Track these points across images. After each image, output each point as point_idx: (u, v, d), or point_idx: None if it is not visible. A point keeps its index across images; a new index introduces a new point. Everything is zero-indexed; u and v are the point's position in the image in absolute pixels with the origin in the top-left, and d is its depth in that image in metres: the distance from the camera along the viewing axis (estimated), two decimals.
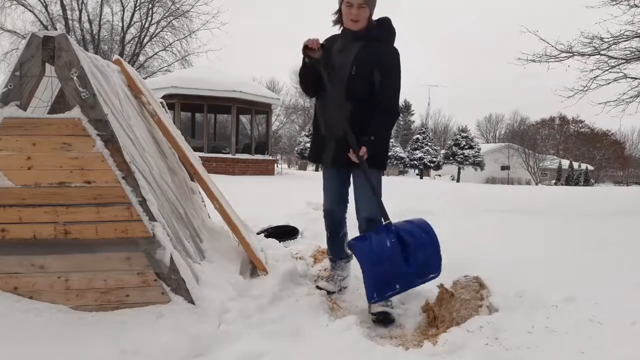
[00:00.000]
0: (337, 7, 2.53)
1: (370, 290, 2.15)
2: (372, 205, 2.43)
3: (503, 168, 41.19)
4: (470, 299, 2.24)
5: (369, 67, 2.44)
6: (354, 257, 2.83)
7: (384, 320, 2.33)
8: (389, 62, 2.48)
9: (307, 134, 32.07)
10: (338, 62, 2.49)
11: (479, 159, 35.96)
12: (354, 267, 2.87)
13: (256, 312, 2.16)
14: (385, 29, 2.53)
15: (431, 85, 57.96)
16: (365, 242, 2.24)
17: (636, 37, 7.20)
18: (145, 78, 12.38)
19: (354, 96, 2.45)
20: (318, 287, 2.66)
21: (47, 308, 1.86)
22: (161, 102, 3.10)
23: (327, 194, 2.73)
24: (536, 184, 36.19)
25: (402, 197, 6.50)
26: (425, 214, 5.22)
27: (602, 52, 7.47)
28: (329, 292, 2.64)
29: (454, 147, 36.40)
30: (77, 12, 20.77)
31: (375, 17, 2.52)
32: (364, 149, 2.36)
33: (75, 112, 1.86)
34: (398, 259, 2.15)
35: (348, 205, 2.75)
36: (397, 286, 2.16)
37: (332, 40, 2.60)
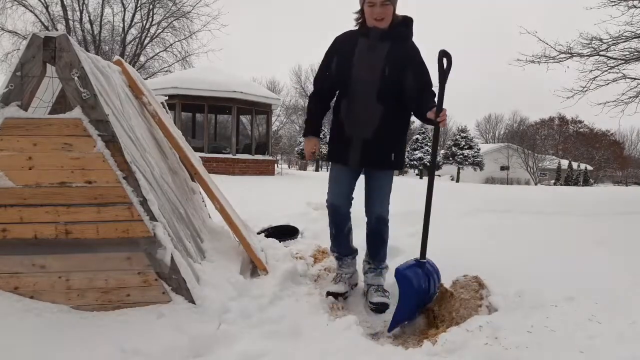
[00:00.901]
0: (358, 7, 2.48)
1: (399, 319, 2.27)
2: (385, 204, 2.59)
3: (502, 168, 41.20)
4: (469, 298, 2.25)
5: (401, 67, 2.43)
6: (358, 253, 2.80)
7: (383, 310, 2.45)
8: (417, 58, 2.50)
9: None
10: (366, 63, 2.43)
11: (478, 159, 35.96)
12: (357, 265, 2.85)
13: (256, 312, 2.17)
14: (411, 28, 2.52)
15: None
16: (412, 276, 2.32)
17: (635, 37, 7.20)
18: (146, 78, 12.37)
19: (386, 97, 2.44)
20: (329, 293, 2.55)
21: (48, 308, 1.87)
22: (162, 103, 3.11)
23: (334, 190, 2.67)
24: (535, 184, 36.21)
25: (403, 197, 6.50)
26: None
27: (601, 52, 7.47)
28: (341, 295, 2.55)
29: (453, 148, 36.39)
30: (78, 13, 20.75)
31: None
32: (443, 112, 2.31)
33: (76, 113, 1.87)
34: (423, 293, 2.34)
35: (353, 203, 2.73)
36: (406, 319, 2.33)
37: (348, 37, 2.52)
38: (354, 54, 2.45)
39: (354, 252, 2.79)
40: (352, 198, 2.69)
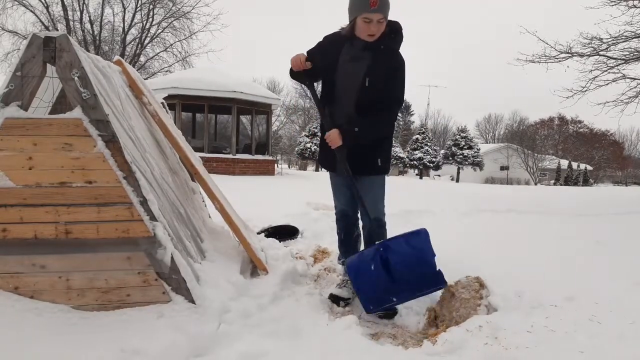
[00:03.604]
0: (348, 20, 2.40)
1: (364, 303, 2.35)
2: (379, 206, 2.57)
3: (502, 168, 41.19)
4: (469, 298, 2.25)
5: (382, 78, 2.39)
6: None
7: (390, 315, 2.40)
8: (396, 72, 2.43)
9: (307, 134, 32.05)
10: (348, 71, 2.43)
11: (478, 159, 35.95)
12: None
13: (256, 312, 2.17)
14: (399, 38, 2.44)
15: (431, 86, 58.06)
16: (353, 261, 2.41)
17: (635, 37, 7.21)
18: (146, 79, 12.35)
19: (365, 107, 2.42)
20: (332, 296, 2.54)
21: (48, 307, 1.86)
22: (162, 103, 3.11)
23: (339, 197, 2.71)
24: (535, 184, 36.21)
25: (404, 197, 6.51)
26: (426, 213, 5.23)
27: (601, 52, 7.48)
28: (343, 300, 2.53)
29: (453, 148, 36.39)
30: (79, 13, 20.75)
31: None
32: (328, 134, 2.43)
33: (77, 113, 1.87)
34: (382, 276, 2.31)
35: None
36: (394, 299, 2.33)
37: (336, 40, 2.48)
38: (338, 61, 2.44)
39: None
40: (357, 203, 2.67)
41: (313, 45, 2.61)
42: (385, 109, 2.44)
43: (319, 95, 2.61)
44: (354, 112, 2.44)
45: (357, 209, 2.71)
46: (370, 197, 2.57)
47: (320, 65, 2.53)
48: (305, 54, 2.57)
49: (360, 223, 2.74)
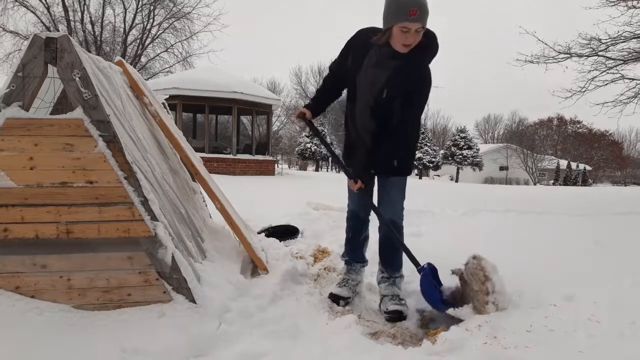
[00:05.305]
0: (383, 27, 2.24)
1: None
2: (395, 208, 2.52)
3: (501, 168, 41.23)
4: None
5: (400, 93, 2.30)
6: (368, 264, 2.78)
7: (398, 318, 2.36)
8: (417, 88, 2.32)
9: (307, 134, 32.06)
10: (369, 78, 2.34)
11: (477, 159, 35.99)
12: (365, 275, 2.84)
13: (257, 312, 2.17)
14: (431, 50, 2.29)
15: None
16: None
17: (634, 38, 7.22)
18: (147, 79, 12.38)
19: (379, 116, 2.38)
20: (332, 295, 2.53)
21: (49, 307, 1.87)
22: (163, 103, 3.11)
23: (354, 197, 2.67)
24: (534, 184, 36.23)
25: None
26: (426, 213, 5.23)
27: (600, 53, 7.49)
28: (343, 299, 2.52)
29: (452, 148, 36.44)
30: (80, 14, 20.78)
31: None
32: (360, 184, 2.46)
33: (78, 113, 1.88)
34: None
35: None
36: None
37: (364, 40, 2.35)
38: (362, 64, 2.36)
39: (365, 261, 2.76)
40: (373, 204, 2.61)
41: (348, 40, 2.48)
42: (403, 137, 2.41)
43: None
44: (369, 119, 2.42)
45: (369, 210, 2.65)
46: (386, 198, 2.53)
47: (348, 66, 2.45)
48: (308, 104, 2.69)
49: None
